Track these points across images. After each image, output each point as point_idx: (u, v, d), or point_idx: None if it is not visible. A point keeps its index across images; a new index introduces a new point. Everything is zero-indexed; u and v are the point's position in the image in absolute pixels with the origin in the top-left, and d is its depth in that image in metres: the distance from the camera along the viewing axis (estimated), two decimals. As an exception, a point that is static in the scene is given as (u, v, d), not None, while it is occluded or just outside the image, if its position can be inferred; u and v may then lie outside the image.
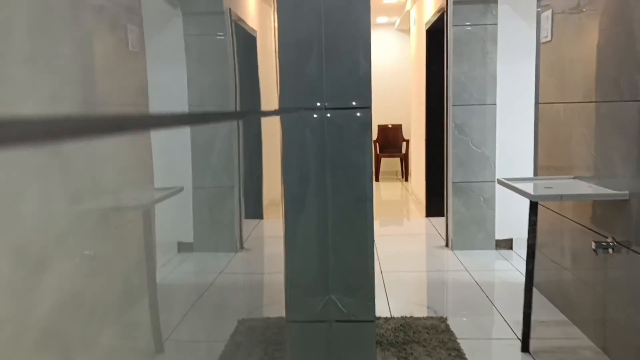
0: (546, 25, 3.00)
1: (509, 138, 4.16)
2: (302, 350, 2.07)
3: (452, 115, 4.20)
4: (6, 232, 1.30)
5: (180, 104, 4.19)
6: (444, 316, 2.88)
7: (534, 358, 2.41)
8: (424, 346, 2.47)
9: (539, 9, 3.11)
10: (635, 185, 2.11)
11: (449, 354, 2.39)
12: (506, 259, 4.05)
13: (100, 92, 2.70)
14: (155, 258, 2.51)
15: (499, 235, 4.27)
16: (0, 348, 1.21)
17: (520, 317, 2.47)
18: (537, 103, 3.26)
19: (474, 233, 4.29)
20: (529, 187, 2.56)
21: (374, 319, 1.98)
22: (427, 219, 5.69)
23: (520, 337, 2.50)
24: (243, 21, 4.85)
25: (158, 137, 3.41)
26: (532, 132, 3.45)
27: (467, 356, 2.41)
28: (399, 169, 8.89)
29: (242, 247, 3.86)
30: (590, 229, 2.49)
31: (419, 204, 6.43)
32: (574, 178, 2.67)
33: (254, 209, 5.54)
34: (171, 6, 4.05)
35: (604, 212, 2.37)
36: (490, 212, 4.26)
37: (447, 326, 2.72)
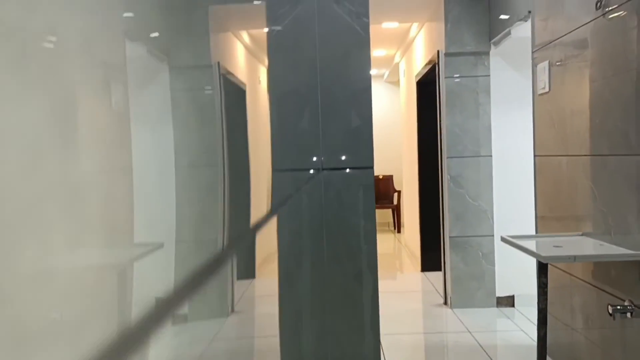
0: (543, 77, 2.92)
1: (506, 190, 4.04)
2: None
3: (447, 168, 4.09)
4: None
5: (166, 164, 4.04)
6: (449, 386, 2.66)
7: None
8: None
9: (535, 56, 3.05)
10: (653, 244, 1.97)
11: None
12: (509, 318, 3.85)
13: (81, 154, 2.55)
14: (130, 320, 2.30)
15: (500, 292, 4.08)
16: None
17: (533, 388, 2.27)
18: (535, 155, 3.15)
19: (474, 290, 4.10)
20: (534, 245, 2.41)
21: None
22: (422, 273, 5.49)
23: (534, 410, 2.28)
24: (232, 74, 4.78)
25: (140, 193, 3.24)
26: (530, 184, 3.33)
27: None
28: (391, 220, 8.73)
29: (232, 310, 3.63)
30: (604, 290, 2.32)
31: (413, 257, 6.24)
32: (581, 235, 2.52)
33: (246, 269, 5.31)
34: (158, 60, 3.97)
35: (619, 272, 2.21)
36: (490, 267, 4.09)
37: (454, 398, 2.50)
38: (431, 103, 4.69)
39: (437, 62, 4.20)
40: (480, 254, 4.09)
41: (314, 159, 1.47)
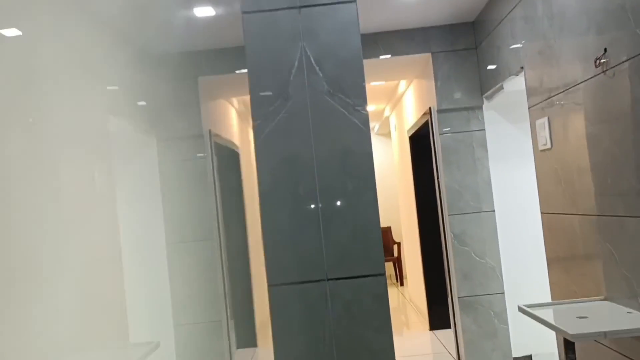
0: (543, 133, 2.84)
1: (513, 246, 3.91)
2: None
3: (449, 225, 3.96)
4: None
5: (156, 240, 3.89)
6: None
7: None
8: None
9: (532, 112, 2.97)
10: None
11: None
12: (529, 381, 3.64)
13: (68, 237, 2.40)
14: None
15: (517, 353, 3.89)
16: None
17: None
18: (542, 213, 3.03)
19: (489, 352, 3.90)
20: (555, 316, 2.26)
21: None
22: (431, 332, 5.27)
23: None
24: (224, 138, 4.70)
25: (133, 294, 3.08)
26: (536, 240, 3.20)
27: None
28: (393, 272, 8.52)
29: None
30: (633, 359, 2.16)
31: (420, 315, 6.02)
32: (604, 299, 2.37)
33: (247, 336, 5.08)
34: (144, 134, 3.88)
35: (651, 342, 2.06)
36: (503, 327, 3.90)
37: None
38: (426, 157, 4.61)
39: (429, 119, 4.14)
40: (492, 313, 3.92)
41: (317, 272, 1.32)
